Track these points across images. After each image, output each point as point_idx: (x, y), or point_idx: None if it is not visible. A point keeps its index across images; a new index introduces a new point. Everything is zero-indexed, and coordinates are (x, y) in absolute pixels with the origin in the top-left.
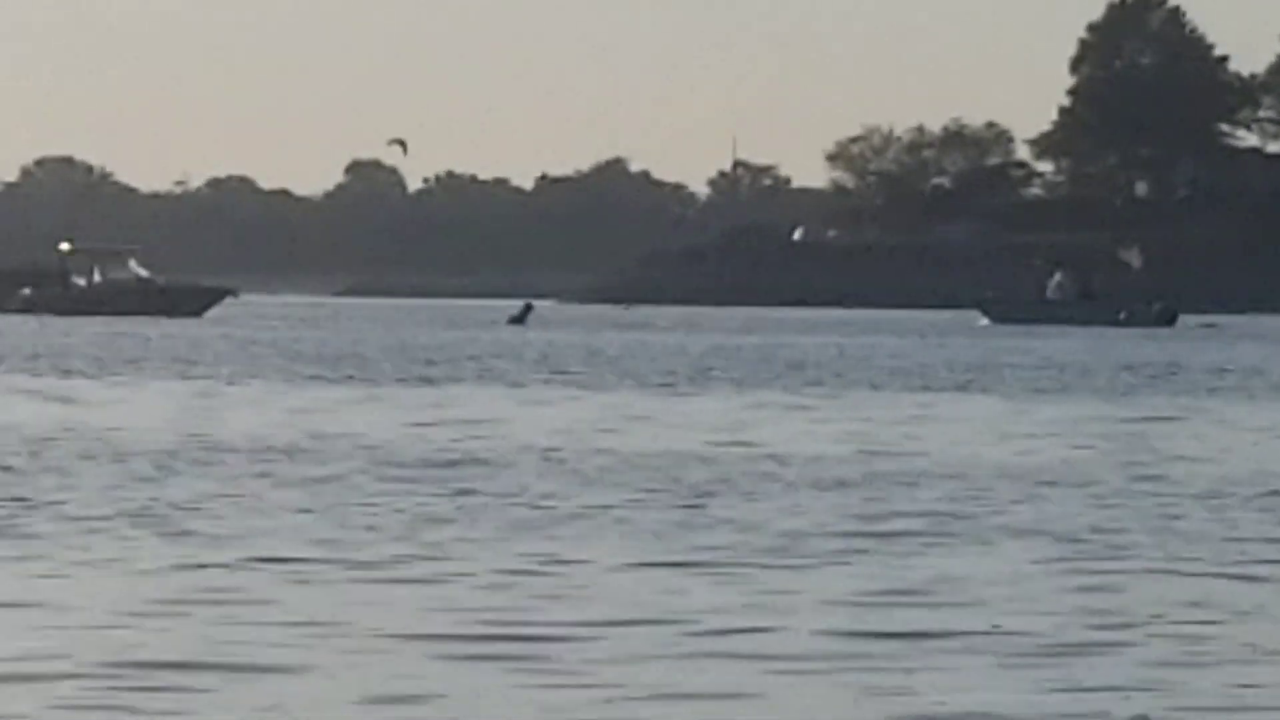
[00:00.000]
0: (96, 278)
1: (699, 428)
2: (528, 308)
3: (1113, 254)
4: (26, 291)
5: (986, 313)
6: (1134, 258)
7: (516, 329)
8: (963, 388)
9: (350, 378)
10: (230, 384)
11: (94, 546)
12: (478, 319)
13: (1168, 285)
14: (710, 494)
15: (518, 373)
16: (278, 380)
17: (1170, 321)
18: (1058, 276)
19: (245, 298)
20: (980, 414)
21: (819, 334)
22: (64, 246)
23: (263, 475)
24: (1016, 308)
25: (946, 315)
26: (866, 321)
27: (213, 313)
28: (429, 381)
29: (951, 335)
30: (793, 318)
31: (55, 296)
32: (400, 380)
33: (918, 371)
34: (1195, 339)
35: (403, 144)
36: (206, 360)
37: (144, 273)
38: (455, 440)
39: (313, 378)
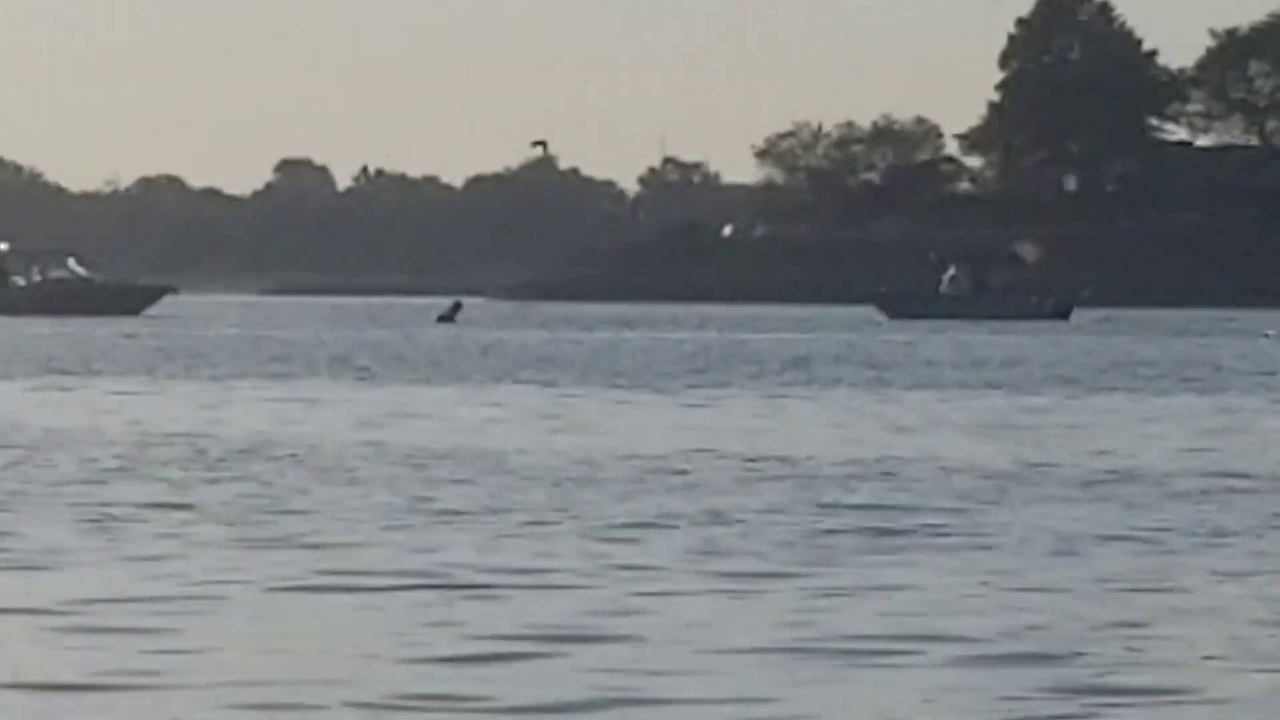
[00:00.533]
0: (35, 277)
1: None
2: (457, 306)
3: (1008, 248)
4: None
5: (882, 308)
6: (1029, 252)
7: (445, 327)
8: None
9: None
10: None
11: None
12: (407, 318)
13: (1065, 279)
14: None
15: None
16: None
17: (1065, 315)
18: (952, 271)
19: (182, 297)
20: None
21: (705, 329)
22: (2, 246)
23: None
24: (912, 303)
25: (841, 311)
26: (771, 318)
27: (151, 310)
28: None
29: (845, 331)
30: (687, 313)
31: None
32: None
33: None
34: (1091, 333)
35: (544, 144)
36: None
37: (83, 271)
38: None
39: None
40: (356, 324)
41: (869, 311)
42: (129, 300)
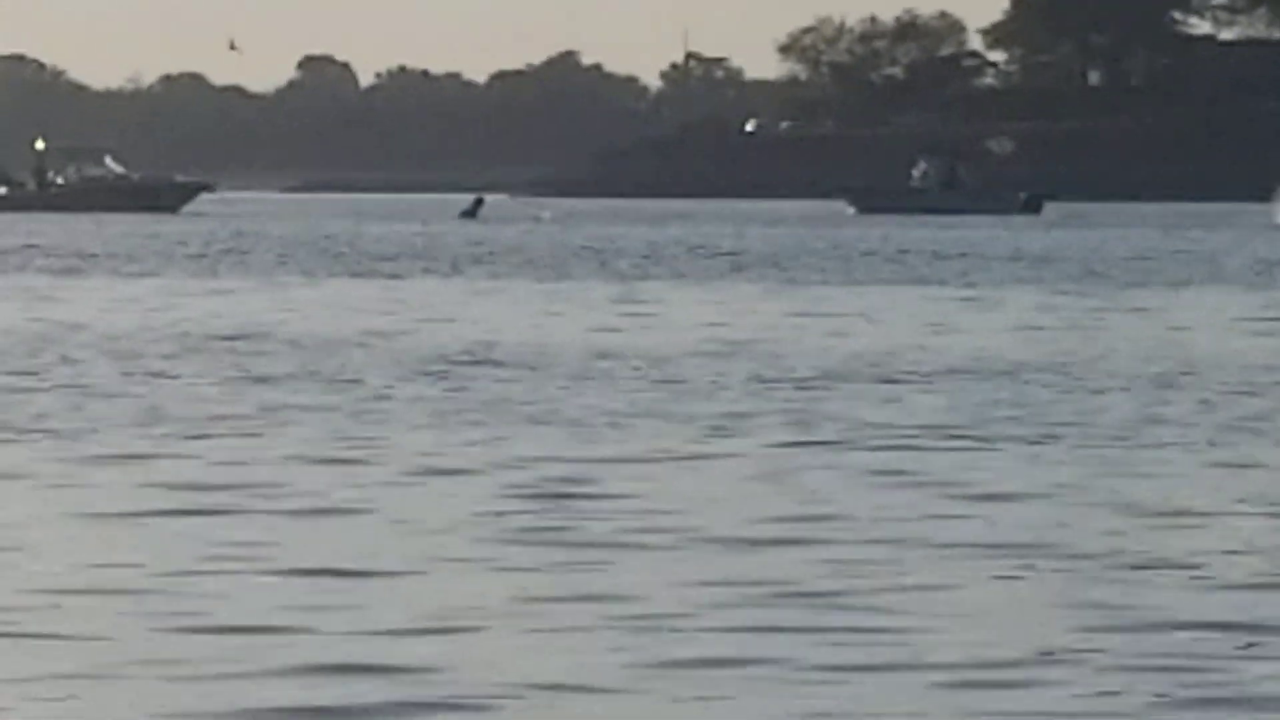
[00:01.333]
0: (73, 175)
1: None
2: (479, 202)
3: (980, 143)
4: (1, 190)
5: (852, 202)
6: (1002, 146)
7: (468, 222)
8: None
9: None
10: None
11: None
12: (431, 213)
13: (1040, 173)
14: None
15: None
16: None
17: (1036, 209)
18: (922, 165)
19: (219, 194)
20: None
21: (682, 225)
22: (39, 145)
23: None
24: (881, 197)
25: (812, 205)
26: (752, 212)
27: (188, 208)
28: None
29: (816, 225)
30: (677, 209)
31: (32, 195)
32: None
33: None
34: (1058, 227)
35: (233, 45)
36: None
37: (120, 169)
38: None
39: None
40: (385, 219)
41: (839, 206)
42: (167, 197)
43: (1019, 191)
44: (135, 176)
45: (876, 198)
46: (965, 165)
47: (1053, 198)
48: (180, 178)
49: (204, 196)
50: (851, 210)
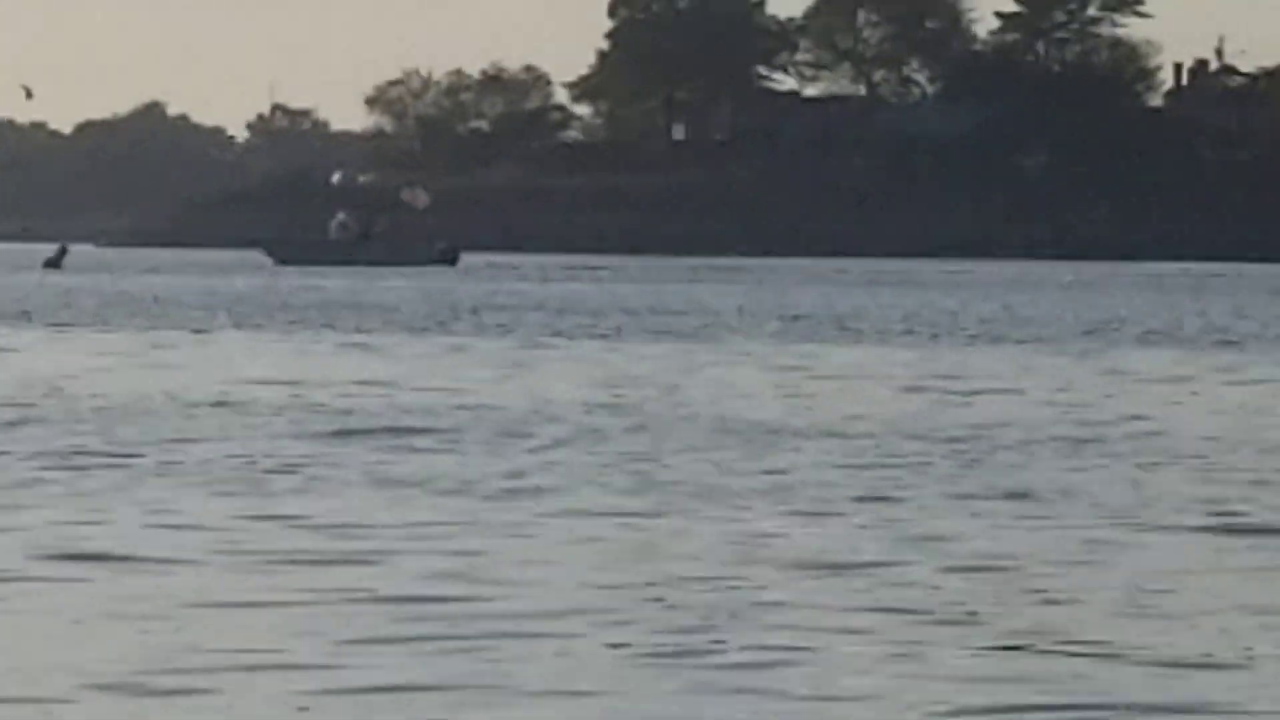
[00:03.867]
0: None
1: None
2: (63, 251)
3: (396, 195)
4: None
5: (270, 253)
6: (418, 199)
7: (51, 272)
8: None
9: None
10: None
11: None
12: (14, 262)
13: (454, 226)
14: None
15: None
16: None
17: (453, 262)
18: (340, 216)
19: None
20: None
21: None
22: None
23: None
24: (298, 248)
25: (230, 255)
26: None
27: None
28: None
29: (234, 275)
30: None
31: None
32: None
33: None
34: (476, 279)
35: (28, 90)
36: None
37: None
38: None
39: None
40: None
41: (257, 255)
42: None
43: (436, 243)
44: None
45: (293, 249)
46: (382, 218)
47: (493, 249)
48: None
49: None
50: (270, 261)
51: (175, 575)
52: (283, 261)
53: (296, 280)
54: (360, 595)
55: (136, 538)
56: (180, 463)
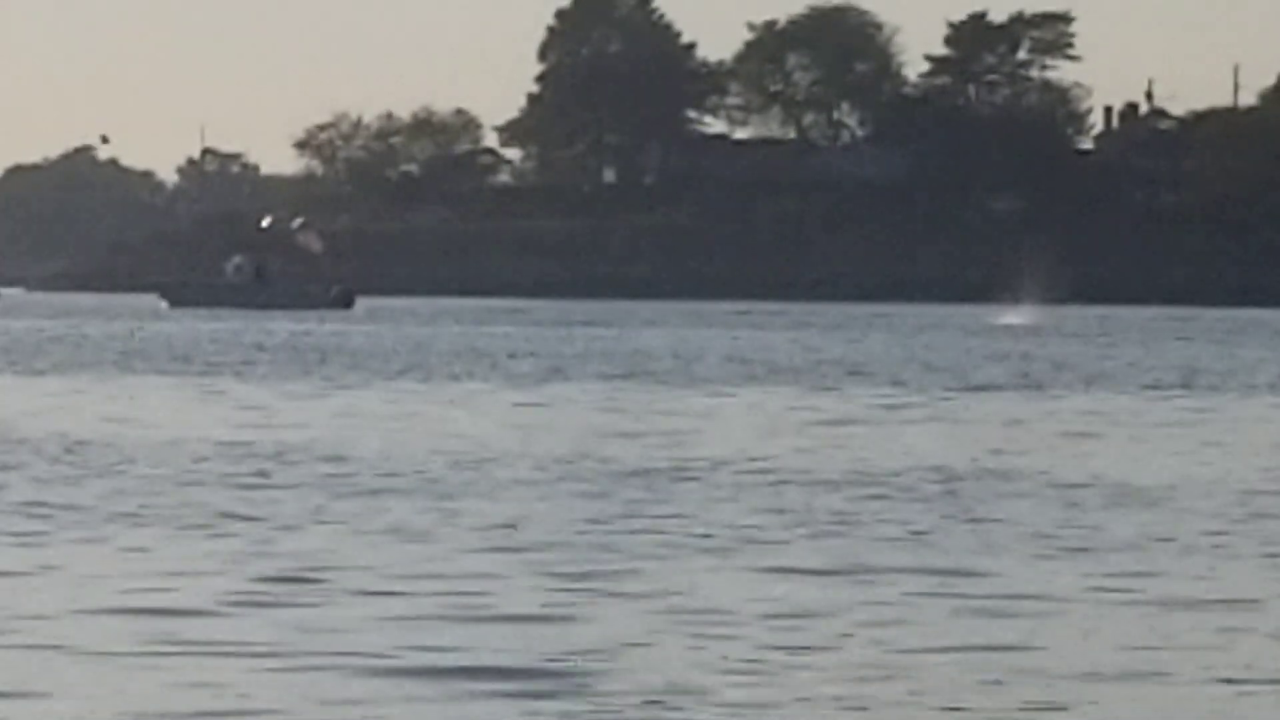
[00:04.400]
0: None
1: None
2: None
3: (292, 238)
4: None
5: (164, 296)
6: (313, 242)
7: None
8: None
9: None
10: None
11: None
12: None
13: (382, 269)
14: None
15: None
16: None
17: (348, 305)
18: (236, 259)
19: None
20: None
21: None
22: None
23: None
24: (193, 291)
25: (126, 300)
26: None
27: None
28: None
29: (117, 319)
30: (126, 303)
31: None
32: None
33: None
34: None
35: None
36: None
37: None
38: None
39: None
40: None
41: (152, 300)
42: None
43: (331, 287)
44: None
45: (189, 292)
46: (278, 261)
47: (387, 293)
48: None
49: None
50: (164, 304)
51: None
52: (177, 304)
53: (170, 325)
54: None
55: None
56: None
